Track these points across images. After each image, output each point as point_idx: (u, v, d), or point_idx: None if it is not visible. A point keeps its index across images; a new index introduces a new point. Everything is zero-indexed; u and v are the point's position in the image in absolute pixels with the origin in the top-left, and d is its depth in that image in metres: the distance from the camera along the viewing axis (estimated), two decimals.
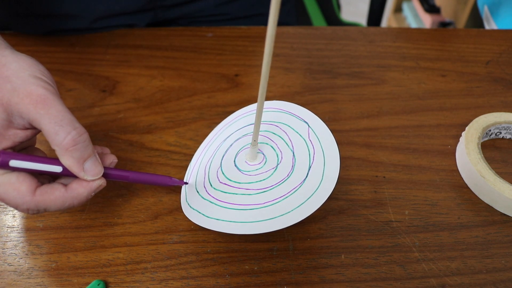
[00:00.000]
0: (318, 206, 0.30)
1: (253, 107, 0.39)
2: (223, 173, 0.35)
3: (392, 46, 0.53)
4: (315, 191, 0.31)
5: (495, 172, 0.38)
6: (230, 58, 0.51)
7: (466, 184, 0.39)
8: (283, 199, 0.31)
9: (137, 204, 0.37)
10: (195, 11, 0.58)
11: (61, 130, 0.28)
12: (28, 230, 0.36)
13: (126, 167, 0.40)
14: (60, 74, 0.49)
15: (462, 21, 1.24)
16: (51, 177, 0.32)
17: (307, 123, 0.36)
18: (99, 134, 0.43)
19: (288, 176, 0.33)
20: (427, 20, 1.36)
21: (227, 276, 0.33)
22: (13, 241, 0.35)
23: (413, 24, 1.46)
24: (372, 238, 0.35)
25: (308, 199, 0.31)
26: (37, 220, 0.36)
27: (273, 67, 0.50)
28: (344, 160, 0.41)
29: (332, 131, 0.43)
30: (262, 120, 0.36)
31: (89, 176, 0.30)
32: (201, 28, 0.55)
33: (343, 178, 0.39)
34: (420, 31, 0.56)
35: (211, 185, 0.35)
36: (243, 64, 0.51)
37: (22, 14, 0.52)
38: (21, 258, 0.34)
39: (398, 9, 1.60)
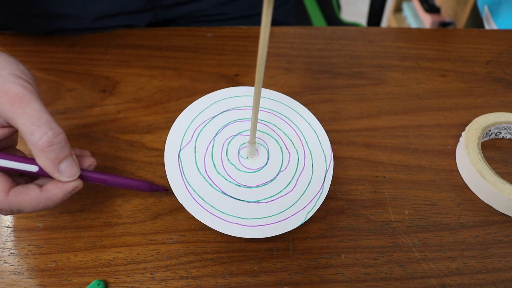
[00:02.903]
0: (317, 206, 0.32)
1: (246, 90, 0.39)
2: (229, 160, 0.35)
3: (392, 46, 0.53)
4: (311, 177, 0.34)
5: (495, 172, 0.38)
6: (230, 58, 0.51)
7: (466, 184, 0.39)
8: (278, 197, 0.33)
9: (137, 204, 0.37)
10: (195, 11, 0.58)
11: (37, 130, 0.28)
12: (28, 230, 0.36)
13: (126, 167, 0.40)
14: (60, 74, 0.49)
15: (462, 21, 1.24)
16: (29, 178, 0.32)
17: (298, 113, 0.38)
18: (99, 134, 0.43)
19: (286, 168, 0.35)
20: (427, 20, 1.36)
21: (227, 276, 0.33)
22: (13, 241, 0.35)
23: (413, 24, 1.46)
24: (372, 238, 0.35)
25: (302, 194, 0.33)
26: (37, 220, 0.36)
27: (273, 67, 0.50)
28: (344, 160, 0.41)
29: (332, 131, 0.43)
30: (262, 106, 0.37)
31: (65, 177, 0.30)
32: (201, 28, 0.55)
33: (343, 178, 0.39)
34: (420, 31, 0.56)
35: (214, 165, 0.34)
36: (243, 64, 0.51)
37: (22, 14, 0.52)
38: (21, 258, 0.34)
39: (398, 9, 1.60)
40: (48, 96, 0.46)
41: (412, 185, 0.39)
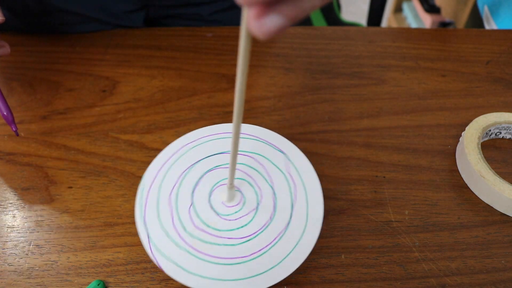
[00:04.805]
0: (307, 255, 0.30)
1: (222, 127, 0.36)
2: (197, 215, 0.31)
3: (392, 46, 0.53)
4: (300, 238, 0.30)
5: (495, 172, 0.38)
6: (230, 58, 0.51)
7: (466, 184, 0.39)
8: (269, 248, 0.30)
9: None
10: (191, 14, 0.59)
11: None
12: (28, 230, 0.36)
13: (126, 167, 0.40)
14: (60, 74, 0.49)
15: (462, 21, 1.24)
16: None
17: (284, 153, 0.34)
18: (99, 134, 0.43)
19: (271, 219, 0.31)
20: (427, 20, 1.36)
21: None
22: (13, 241, 0.35)
23: (413, 24, 1.46)
24: (372, 238, 0.35)
25: (295, 246, 0.30)
26: (37, 220, 0.36)
27: (273, 67, 0.50)
28: (344, 160, 0.41)
29: (332, 131, 0.43)
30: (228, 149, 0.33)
31: None
32: (201, 28, 0.55)
33: (343, 178, 0.39)
34: (420, 31, 0.56)
35: (185, 229, 0.30)
36: None
37: (20, 12, 0.52)
38: (21, 258, 0.34)
39: (398, 9, 1.60)
40: (48, 96, 0.46)
41: (412, 185, 0.39)
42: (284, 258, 0.30)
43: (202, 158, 0.34)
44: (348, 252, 0.34)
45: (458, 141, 0.42)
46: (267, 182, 0.33)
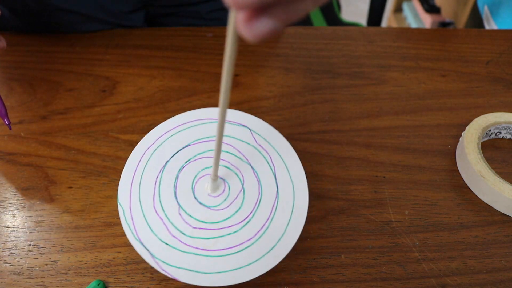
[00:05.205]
0: (306, 210, 0.31)
1: (193, 114, 0.35)
2: (190, 216, 0.30)
3: (392, 46, 0.53)
4: (293, 200, 0.31)
5: (495, 172, 0.38)
6: None
7: (466, 184, 0.39)
8: (270, 222, 0.30)
9: None
10: (190, 12, 0.59)
11: None
12: (28, 230, 0.36)
13: None
14: (60, 74, 0.49)
15: (462, 21, 1.24)
16: None
17: (246, 126, 0.34)
18: (99, 134, 0.43)
19: (260, 193, 0.31)
20: (427, 20, 1.36)
21: None
22: (13, 241, 0.35)
23: (413, 24, 1.46)
24: (372, 238, 0.35)
25: (292, 211, 0.31)
26: (37, 220, 0.36)
27: (273, 67, 0.50)
28: (344, 160, 0.41)
29: (332, 131, 0.43)
30: (198, 137, 0.33)
31: None
32: (201, 28, 0.55)
33: (343, 178, 0.39)
34: (420, 31, 0.56)
35: (183, 234, 0.29)
36: (243, 64, 0.51)
37: (20, 12, 0.52)
38: (21, 258, 0.34)
39: (398, 9, 1.60)
40: (48, 96, 0.46)
41: (412, 185, 0.39)
42: (287, 225, 0.30)
43: (168, 158, 0.33)
44: (348, 252, 0.34)
45: (458, 141, 0.42)
46: (242, 160, 0.33)
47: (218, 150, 0.27)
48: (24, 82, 0.48)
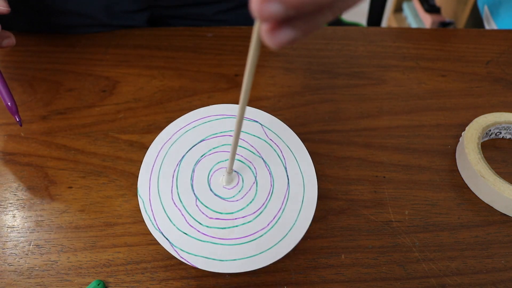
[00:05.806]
0: (315, 199, 0.32)
1: (207, 110, 0.36)
2: (207, 207, 0.32)
3: (392, 46, 0.53)
4: (303, 192, 0.32)
5: (495, 172, 0.38)
6: (230, 58, 0.51)
7: (466, 184, 0.39)
8: (282, 212, 0.31)
9: (137, 204, 0.37)
10: (195, 14, 0.59)
11: None
12: (28, 230, 0.36)
13: (126, 167, 0.40)
14: (60, 74, 0.49)
15: (462, 21, 1.24)
16: None
17: (258, 122, 0.35)
18: (99, 134, 0.43)
19: (272, 185, 0.32)
20: (427, 20, 1.36)
21: (227, 276, 0.33)
22: (13, 241, 0.35)
23: (413, 24, 1.46)
24: (372, 238, 0.35)
25: (302, 202, 0.32)
26: (37, 220, 0.36)
27: (273, 67, 0.50)
28: (344, 160, 0.41)
29: (332, 131, 0.43)
30: (212, 132, 0.35)
31: None
32: (201, 28, 0.55)
33: (343, 178, 0.39)
34: (420, 31, 0.56)
35: (201, 224, 0.31)
36: (243, 64, 0.51)
37: (22, 12, 0.52)
38: (21, 258, 0.34)
39: (398, 9, 1.60)
40: (48, 96, 0.46)
41: (412, 185, 0.39)
42: (298, 215, 0.31)
43: (185, 152, 0.34)
44: (348, 252, 0.34)
45: (458, 141, 0.42)
46: (254, 154, 0.34)
47: (235, 145, 0.28)
48: (24, 82, 0.48)
